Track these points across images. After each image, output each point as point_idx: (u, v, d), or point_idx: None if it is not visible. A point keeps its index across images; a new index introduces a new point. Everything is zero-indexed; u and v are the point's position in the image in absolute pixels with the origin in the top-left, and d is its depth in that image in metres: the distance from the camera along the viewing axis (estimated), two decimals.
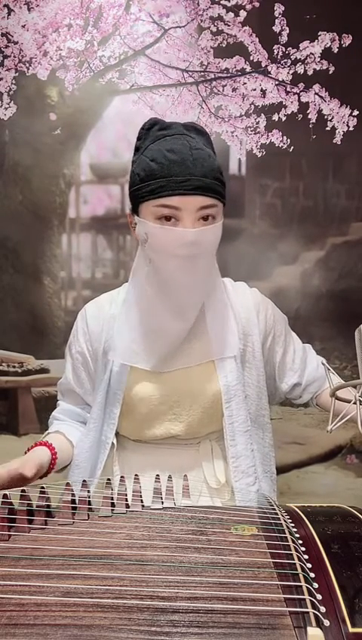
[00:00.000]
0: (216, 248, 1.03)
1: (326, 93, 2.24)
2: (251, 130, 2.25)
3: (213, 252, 1.03)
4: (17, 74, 2.25)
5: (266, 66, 2.25)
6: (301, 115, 2.25)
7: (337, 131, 2.25)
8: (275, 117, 2.25)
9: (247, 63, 2.25)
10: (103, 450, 1.08)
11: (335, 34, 2.22)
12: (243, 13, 2.22)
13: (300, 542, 0.63)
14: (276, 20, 2.22)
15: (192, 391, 1.05)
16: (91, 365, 1.11)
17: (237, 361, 1.08)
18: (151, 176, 0.93)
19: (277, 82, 2.25)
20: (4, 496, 0.71)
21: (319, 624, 0.52)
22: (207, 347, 1.06)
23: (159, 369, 1.05)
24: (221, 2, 2.23)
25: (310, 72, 2.24)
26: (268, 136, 2.25)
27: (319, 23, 2.22)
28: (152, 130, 0.99)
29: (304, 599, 0.54)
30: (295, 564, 0.58)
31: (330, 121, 2.26)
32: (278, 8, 2.21)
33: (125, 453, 1.12)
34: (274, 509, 0.72)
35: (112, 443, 1.08)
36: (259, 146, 2.24)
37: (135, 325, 1.06)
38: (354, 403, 0.65)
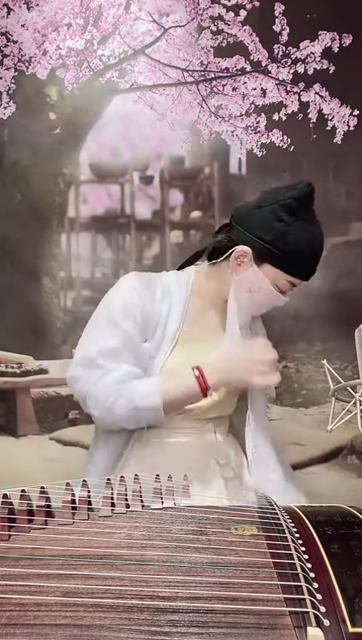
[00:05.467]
0: None
1: (327, 92, 2.24)
2: (251, 130, 2.24)
3: None
4: (17, 73, 2.25)
5: (266, 65, 2.24)
6: (301, 115, 2.25)
7: (337, 131, 2.25)
8: (275, 116, 2.25)
9: (247, 62, 2.24)
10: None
11: (335, 33, 2.22)
12: (243, 13, 2.22)
13: (300, 542, 0.63)
14: (276, 20, 2.22)
15: None
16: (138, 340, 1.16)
17: None
18: (297, 257, 1.11)
19: (277, 82, 2.25)
20: (4, 496, 0.71)
21: (319, 624, 0.52)
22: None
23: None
24: (221, 1, 2.23)
25: (310, 72, 2.24)
26: (268, 135, 2.24)
27: (319, 23, 2.22)
28: (306, 206, 1.13)
29: (304, 599, 0.54)
30: (295, 564, 0.58)
31: (331, 120, 2.25)
32: (278, 8, 2.21)
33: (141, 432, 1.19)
34: (274, 509, 0.72)
35: None
36: (259, 146, 2.24)
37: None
38: (354, 403, 0.65)
